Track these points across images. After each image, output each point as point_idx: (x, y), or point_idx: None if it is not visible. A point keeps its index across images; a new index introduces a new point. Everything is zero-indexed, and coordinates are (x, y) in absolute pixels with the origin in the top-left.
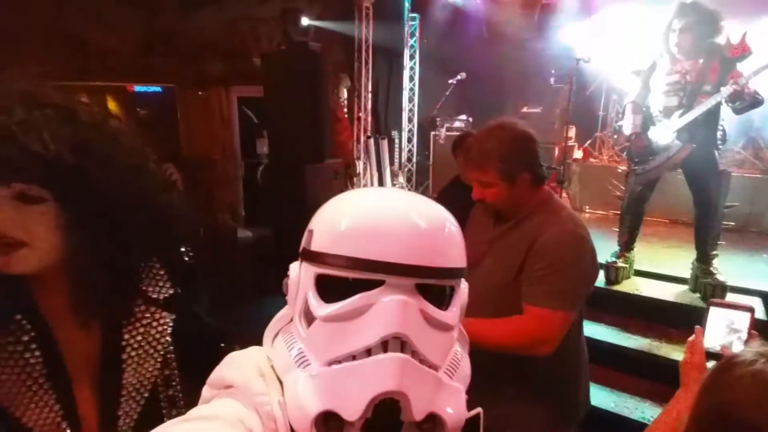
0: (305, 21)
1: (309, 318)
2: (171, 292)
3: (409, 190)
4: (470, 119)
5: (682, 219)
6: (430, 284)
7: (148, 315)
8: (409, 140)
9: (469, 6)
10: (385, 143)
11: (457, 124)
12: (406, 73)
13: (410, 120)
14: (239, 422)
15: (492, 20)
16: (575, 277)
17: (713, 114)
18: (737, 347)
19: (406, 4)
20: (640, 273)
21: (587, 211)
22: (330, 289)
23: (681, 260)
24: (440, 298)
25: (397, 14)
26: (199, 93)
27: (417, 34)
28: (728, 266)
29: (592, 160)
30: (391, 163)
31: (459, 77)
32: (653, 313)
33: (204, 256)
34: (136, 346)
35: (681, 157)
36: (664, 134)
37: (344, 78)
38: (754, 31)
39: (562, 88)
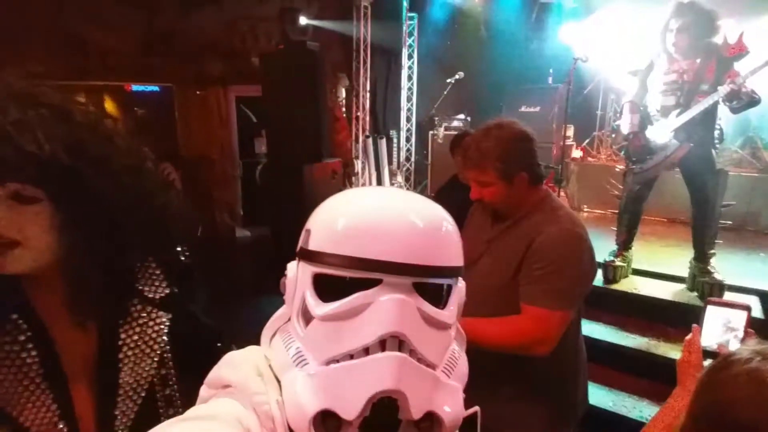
0: (303, 20)
1: (307, 317)
2: (167, 291)
3: (408, 189)
4: (468, 118)
5: (679, 218)
6: (428, 283)
7: (144, 314)
8: (408, 139)
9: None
10: (383, 142)
11: (455, 123)
12: (404, 73)
13: (408, 119)
14: (237, 422)
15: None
16: (573, 276)
17: (710, 113)
18: (734, 345)
19: (405, 4)
20: (638, 272)
21: (585, 210)
22: (328, 288)
23: (679, 259)
24: (438, 296)
25: (396, 14)
26: (197, 92)
27: (415, 33)
28: (726, 265)
29: (590, 159)
30: (390, 163)
31: (457, 76)
32: (651, 312)
33: (201, 256)
34: (132, 345)
35: (678, 156)
36: (661, 133)
37: (342, 77)
38: (751, 31)
39: (560, 88)
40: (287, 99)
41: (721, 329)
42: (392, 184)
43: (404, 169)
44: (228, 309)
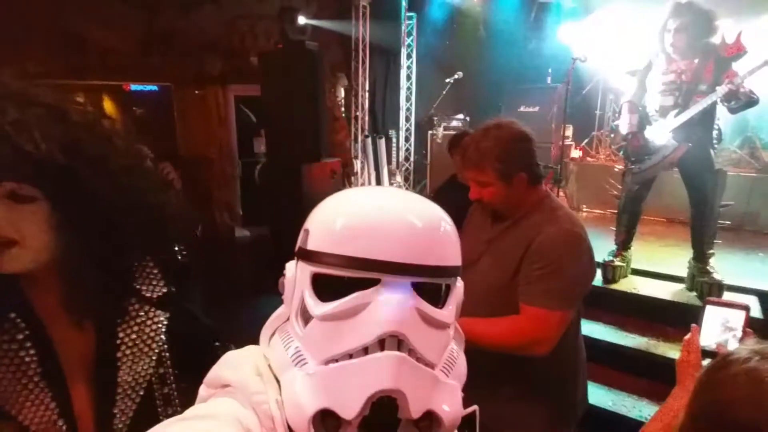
0: (302, 20)
1: (306, 317)
2: (165, 290)
3: (407, 189)
4: (467, 118)
5: (678, 218)
6: (426, 283)
7: (142, 313)
8: (407, 139)
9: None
10: (382, 142)
11: (454, 123)
12: (403, 72)
13: (407, 119)
14: (237, 421)
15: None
16: (572, 276)
17: (709, 113)
18: (732, 345)
19: (403, 3)
20: (637, 272)
21: (584, 210)
22: (326, 287)
23: (678, 259)
24: (436, 296)
25: (394, 13)
26: (196, 92)
27: (414, 33)
28: (724, 265)
29: (589, 159)
30: (389, 162)
31: (456, 76)
32: (650, 311)
33: (200, 256)
34: (130, 344)
35: (677, 156)
36: (660, 134)
37: (341, 77)
38: (749, 31)
39: (559, 88)
40: (286, 98)
41: (719, 329)
42: (391, 184)
43: (403, 168)
44: (227, 308)
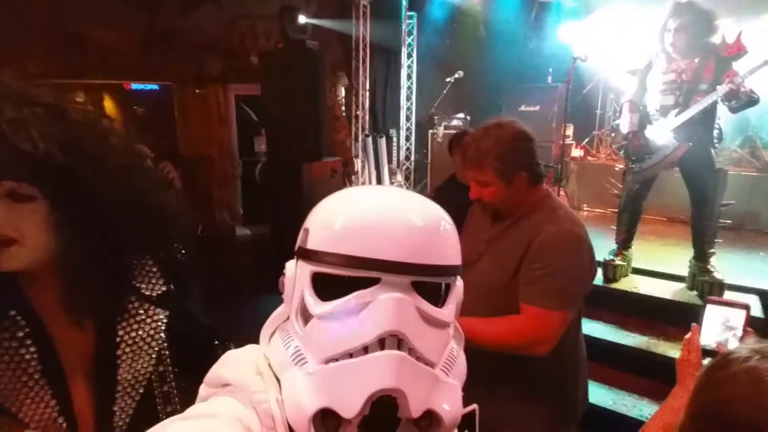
0: (303, 19)
1: (306, 316)
2: (164, 289)
3: (407, 188)
4: (468, 117)
5: (679, 217)
6: (426, 282)
7: (141, 311)
8: (407, 138)
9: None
10: (383, 141)
11: (454, 122)
12: (403, 72)
13: (408, 118)
14: (237, 420)
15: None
16: (573, 276)
17: (709, 113)
18: (733, 344)
19: (404, 3)
20: (637, 271)
21: (585, 209)
22: (326, 287)
23: (678, 258)
24: (436, 295)
25: (395, 12)
26: (197, 91)
27: (414, 32)
28: (725, 264)
29: (589, 158)
30: (389, 162)
31: (456, 75)
32: (651, 310)
33: (201, 255)
34: (130, 342)
35: (678, 155)
36: (660, 133)
37: (342, 76)
38: (749, 30)
39: (560, 87)
40: (287, 98)
41: (720, 328)
42: (392, 183)
43: (404, 168)
44: (227, 307)
